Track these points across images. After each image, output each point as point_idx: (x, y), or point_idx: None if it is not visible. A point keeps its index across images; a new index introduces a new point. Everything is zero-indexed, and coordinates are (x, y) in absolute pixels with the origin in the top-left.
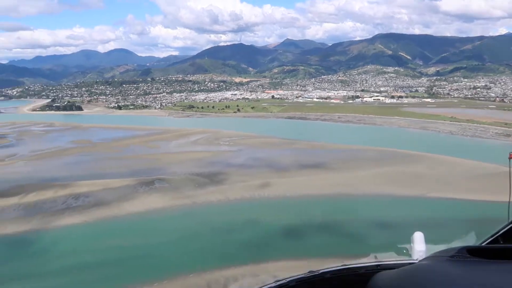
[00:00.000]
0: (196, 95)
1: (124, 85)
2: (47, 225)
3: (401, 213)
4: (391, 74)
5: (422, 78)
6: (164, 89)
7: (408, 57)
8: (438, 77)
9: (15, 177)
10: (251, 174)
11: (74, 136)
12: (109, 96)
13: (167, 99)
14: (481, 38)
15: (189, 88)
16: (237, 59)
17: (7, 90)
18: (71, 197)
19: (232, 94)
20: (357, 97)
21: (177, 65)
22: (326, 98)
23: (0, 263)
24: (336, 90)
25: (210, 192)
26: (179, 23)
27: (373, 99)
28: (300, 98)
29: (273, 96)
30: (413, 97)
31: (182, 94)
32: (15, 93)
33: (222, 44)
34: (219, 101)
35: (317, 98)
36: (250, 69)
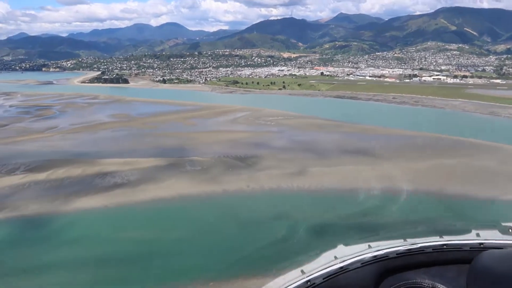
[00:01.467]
0: (242, 70)
1: (171, 59)
2: (67, 207)
3: (470, 220)
4: (454, 52)
5: (490, 57)
6: (211, 64)
7: (475, 33)
8: (510, 56)
9: (50, 151)
10: (291, 160)
11: (114, 109)
12: (156, 69)
13: (212, 73)
14: None
15: (235, 63)
16: (287, 34)
17: (62, 62)
18: (98, 176)
19: (279, 70)
20: (415, 76)
21: (225, 40)
22: (379, 77)
23: (8, 250)
24: (391, 68)
25: (244, 179)
26: None
27: (433, 79)
28: (351, 75)
29: (322, 73)
30: (480, 77)
31: (228, 69)
32: (69, 65)
33: (272, 18)
34: (265, 77)
35: (370, 76)
36: (300, 44)
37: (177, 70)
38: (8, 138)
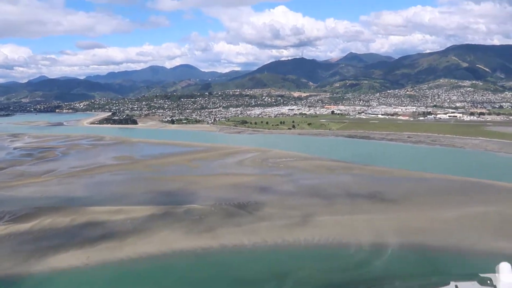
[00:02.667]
0: (252, 110)
1: (182, 99)
2: (41, 267)
3: None
4: (468, 88)
5: (505, 93)
6: (221, 104)
7: (487, 70)
8: None
9: (43, 197)
10: (298, 207)
11: (118, 151)
12: (166, 110)
13: (222, 113)
14: None
15: (245, 103)
16: (298, 74)
17: (75, 104)
18: (86, 227)
19: (289, 109)
20: (429, 113)
21: (236, 80)
22: (392, 115)
23: None
24: (403, 106)
25: (245, 231)
26: (241, 38)
27: (449, 116)
28: (363, 114)
29: (332, 112)
30: (498, 114)
31: (238, 108)
32: (82, 106)
33: (283, 59)
34: (275, 116)
35: (382, 114)
36: (311, 83)
37: (187, 110)
38: (3, 182)
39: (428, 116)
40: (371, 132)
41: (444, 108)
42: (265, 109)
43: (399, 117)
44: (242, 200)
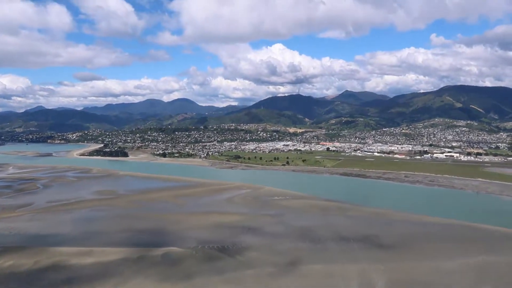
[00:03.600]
0: (246, 145)
1: (176, 133)
2: None
3: None
4: (463, 128)
5: (500, 133)
6: (216, 138)
7: (481, 110)
8: None
9: (10, 235)
10: (286, 252)
11: (102, 185)
12: (160, 142)
13: (216, 147)
14: None
15: (240, 137)
16: (294, 110)
17: (68, 134)
18: (50, 271)
19: (284, 145)
20: (426, 152)
21: (232, 115)
22: (388, 153)
23: None
24: (399, 144)
25: (226, 280)
26: (238, 74)
27: (445, 156)
28: (358, 151)
29: (328, 148)
30: (495, 154)
31: (232, 143)
32: (74, 137)
33: (280, 95)
34: (269, 151)
35: (378, 152)
36: (306, 119)
37: (181, 144)
38: None
39: (425, 155)
40: (367, 170)
41: (440, 147)
42: (259, 144)
43: (395, 156)
44: (228, 242)
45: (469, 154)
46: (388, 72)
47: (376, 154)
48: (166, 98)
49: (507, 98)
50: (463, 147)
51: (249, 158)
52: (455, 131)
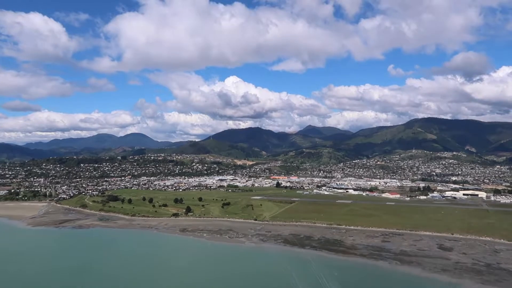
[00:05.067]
0: (166, 180)
1: (81, 165)
2: None
3: None
4: (450, 160)
5: (497, 167)
6: (133, 171)
7: (455, 143)
8: None
9: None
10: None
11: None
12: (50, 177)
13: (125, 182)
14: None
15: (167, 170)
16: (251, 143)
17: None
18: None
19: (218, 180)
20: (428, 189)
21: (174, 147)
22: (370, 190)
23: None
24: (378, 178)
25: None
26: (191, 107)
27: (465, 195)
28: (324, 188)
29: (278, 184)
30: None
31: (151, 178)
32: None
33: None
34: (185, 189)
35: (354, 190)
36: (263, 152)
37: (77, 179)
38: None
39: (432, 194)
40: (345, 227)
41: (437, 182)
42: (185, 179)
43: (383, 195)
44: None
45: (497, 192)
46: (347, 107)
47: (352, 192)
48: (122, 133)
49: (476, 131)
50: (472, 182)
51: (129, 201)
52: (442, 164)
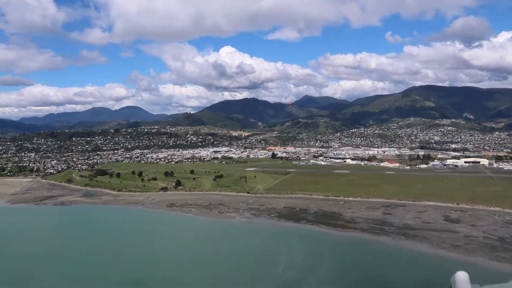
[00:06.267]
0: (159, 152)
1: (74, 138)
2: None
3: None
4: (449, 128)
5: (496, 133)
6: (127, 144)
7: (454, 111)
8: None
9: None
10: None
11: None
12: (41, 152)
13: (119, 155)
14: None
15: (161, 143)
16: (247, 114)
17: None
18: None
19: (213, 151)
20: (428, 157)
21: (170, 119)
22: (368, 159)
23: None
24: (377, 147)
25: None
26: (186, 79)
27: (467, 162)
28: (320, 158)
29: (273, 155)
30: None
31: (144, 150)
32: None
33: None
34: (178, 161)
35: (352, 159)
36: (260, 123)
37: (69, 153)
38: None
39: (432, 163)
40: (344, 198)
41: (436, 150)
42: (178, 152)
43: (382, 164)
44: None
45: (499, 158)
46: (344, 76)
47: (350, 162)
48: (117, 107)
49: (475, 98)
50: (472, 149)
51: (118, 175)
52: (440, 131)
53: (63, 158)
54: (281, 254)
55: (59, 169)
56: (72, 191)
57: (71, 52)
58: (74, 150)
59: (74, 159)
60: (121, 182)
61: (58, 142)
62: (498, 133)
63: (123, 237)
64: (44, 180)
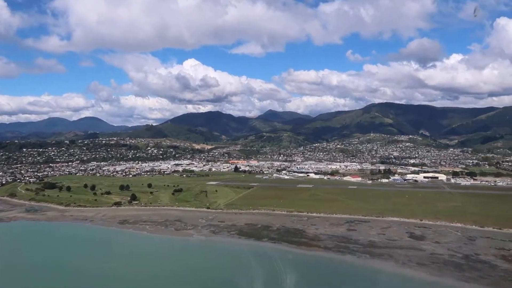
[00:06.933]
0: (116, 165)
1: (24, 149)
2: None
3: None
4: (407, 144)
5: (450, 149)
6: (83, 156)
7: (411, 127)
8: (466, 149)
9: None
10: None
11: None
12: None
13: (59, 169)
14: (492, 109)
15: (119, 155)
16: (211, 127)
17: None
18: None
19: (174, 165)
20: (389, 172)
21: (131, 130)
22: (331, 174)
23: None
24: (339, 162)
25: None
26: (149, 90)
27: (426, 177)
28: (284, 172)
29: (236, 168)
30: (483, 174)
31: (101, 163)
32: None
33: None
34: (136, 174)
35: (316, 173)
36: (223, 137)
37: (18, 165)
38: None
39: (393, 177)
40: (308, 215)
41: (396, 165)
42: (139, 164)
43: (345, 178)
44: None
45: (456, 174)
46: (307, 92)
47: (313, 176)
48: (74, 117)
49: (430, 116)
50: (430, 165)
51: (69, 188)
52: (399, 147)
53: (10, 170)
54: (239, 275)
55: (3, 182)
56: (14, 206)
57: (26, 60)
58: (24, 162)
59: (23, 171)
60: (70, 196)
61: (6, 153)
62: (452, 149)
63: (58, 259)
64: None
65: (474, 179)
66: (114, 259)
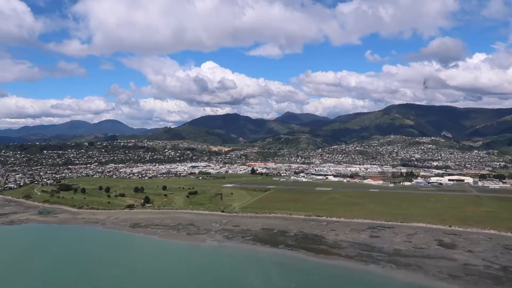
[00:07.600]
0: (133, 167)
1: (44, 151)
2: None
3: None
4: (429, 146)
5: (474, 151)
6: (101, 158)
7: (432, 129)
8: (490, 151)
9: None
10: None
11: None
12: (8, 165)
13: (92, 170)
14: None
15: (137, 157)
16: (228, 129)
17: None
18: None
19: (191, 167)
20: (411, 174)
21: (150, 133)
22: (351, 176)
23: None
24: (358, 164)
25: None
26: (167, 93)
27: (450, 180)
28: (302, 174)
29: (253, 170)
30: None
31: (119, 165)
32: None
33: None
34: (151, 176)
35: (335, 176)
36: (241, 139)
37: (38, 167)
38: None
39: (416, 181)
40: (327, 219)
41: (418, 167)
42: (155, 166)
43: (365, 181)
44: None
45: (483, 176)
46: (325, 94)
47: (332, 178)
48: (95, 120)
49: (452, 117)
50: (454, 167)
51: (83, 190)
52: (421, 149)
53: (30, 172)
54: (253, 287)
55: (21, 184)
56: (28, 208)
57: (48, 64)
58: (44, 164)
59: (41, 173)
60: (84, 198)
61: (28, 155)
62: (476, 151)
63: (62, 265)
64: (0, 196)
65: (503, 182)
66: (119, 267)
